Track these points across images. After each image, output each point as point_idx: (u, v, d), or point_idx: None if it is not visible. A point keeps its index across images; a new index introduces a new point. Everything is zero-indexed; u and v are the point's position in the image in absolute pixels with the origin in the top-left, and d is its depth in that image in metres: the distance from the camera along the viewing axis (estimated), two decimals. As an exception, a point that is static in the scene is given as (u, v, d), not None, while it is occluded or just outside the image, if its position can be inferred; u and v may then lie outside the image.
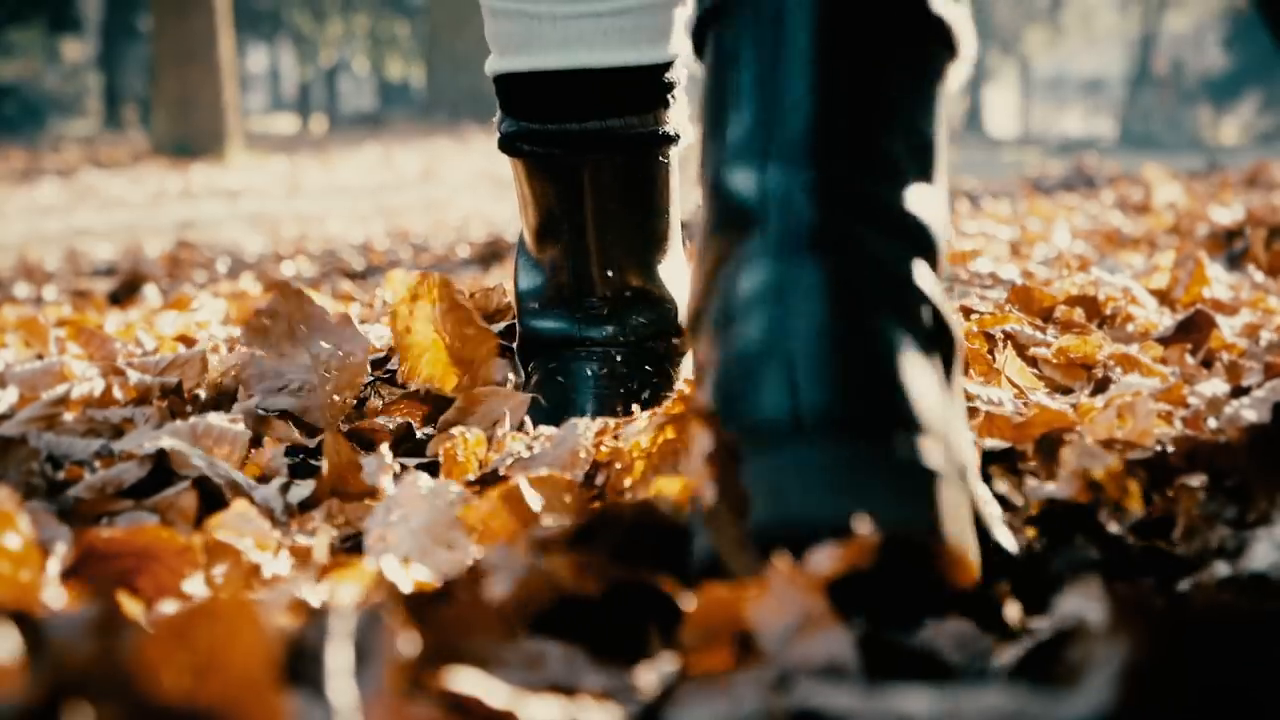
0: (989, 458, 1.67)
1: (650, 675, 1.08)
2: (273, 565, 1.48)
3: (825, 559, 1.11)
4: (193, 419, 1.98)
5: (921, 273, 1.31)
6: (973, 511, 1.29)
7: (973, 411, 1.83)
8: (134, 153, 20.68)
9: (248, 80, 45.80)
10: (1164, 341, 2.56)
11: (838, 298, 1.25)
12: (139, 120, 31.35)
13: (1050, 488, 1.52)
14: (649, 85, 2.15)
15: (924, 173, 1.37)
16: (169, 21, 19.55)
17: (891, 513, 1.18)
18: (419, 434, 2.13)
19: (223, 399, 2.32)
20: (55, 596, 1.06)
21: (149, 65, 22.45)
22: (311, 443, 2.01)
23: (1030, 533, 1.48)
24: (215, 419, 1.98)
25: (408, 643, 1.00)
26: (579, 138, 2.13)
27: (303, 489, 1.76)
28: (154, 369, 2.40)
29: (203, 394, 2.32)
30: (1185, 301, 3.11)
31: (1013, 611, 1.27)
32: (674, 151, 2.21)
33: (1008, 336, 2.44)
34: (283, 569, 1.47)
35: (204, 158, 18.88)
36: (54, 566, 1.38)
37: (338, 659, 0.97)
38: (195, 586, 1.40)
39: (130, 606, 1.04)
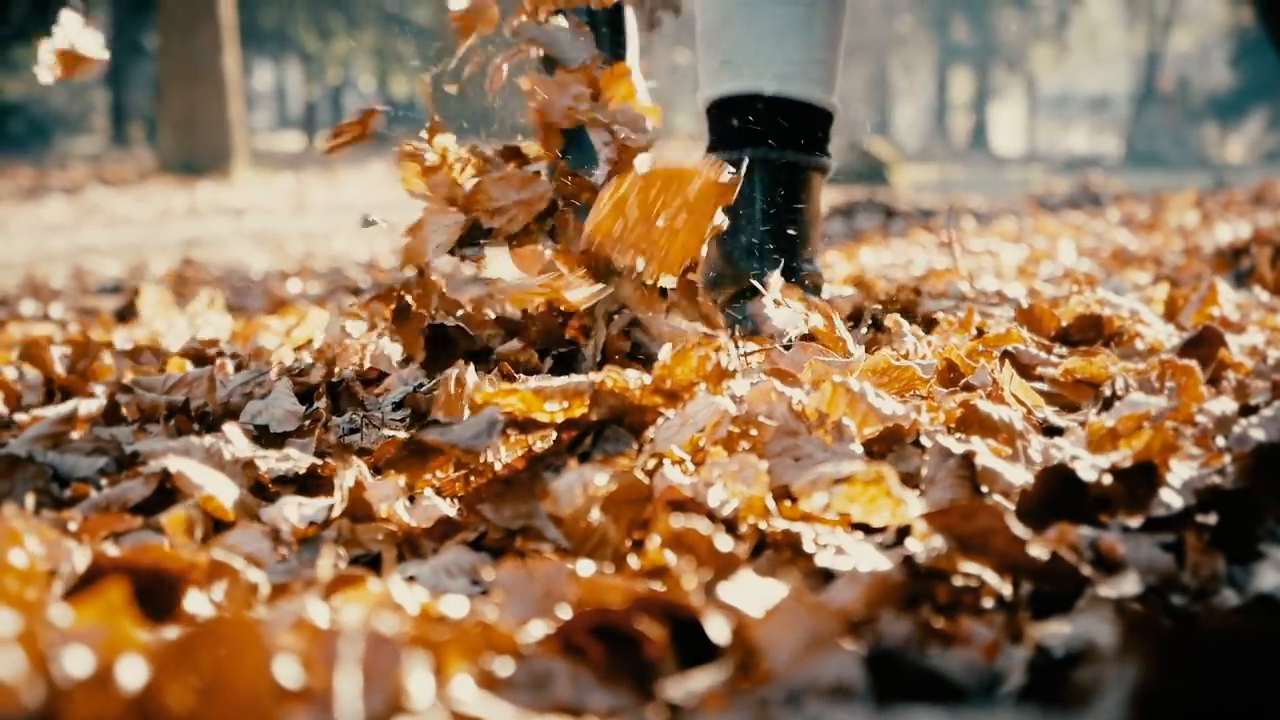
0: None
1: (659, 697, 1.08)
2: (276, 584, 1.47)
3: (842, 591, 1.10)
4: (201, 438, 1.98)
5: None
6: None
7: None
8: (140, 170, 20.69)
9: (254, 98, 45.83)
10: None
11: None
12: (145, 138, 31.36)
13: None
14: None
15: None
16: (175, 39, 19.57)
17: None
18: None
19: (230, 416, 2.32)
20: (61, 615, 1.06)
21: (155, 83, 22.46)
22: (319, 462, 2.01)
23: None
24: (222, 437, 1.98)
25: (415, 664, 0.99)
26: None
27: (311, 508, 1.75)
28: (161, 388, 2.39)
29: (211, 412, 2.32)
30: (1195, 321, 3.11)
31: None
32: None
33: (1009, 356, 2.44)
34: (293, 588, 1.46)
35: (210, 175, 18.89)
36: (60, 585, 1.38)
37: (347, 682, 0.97)
38: (199, 605, 1.39)
39: (135, 627, 1.04)
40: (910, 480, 1.80)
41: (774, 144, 3.03)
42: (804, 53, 3.03)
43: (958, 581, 1.42)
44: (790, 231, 3.02)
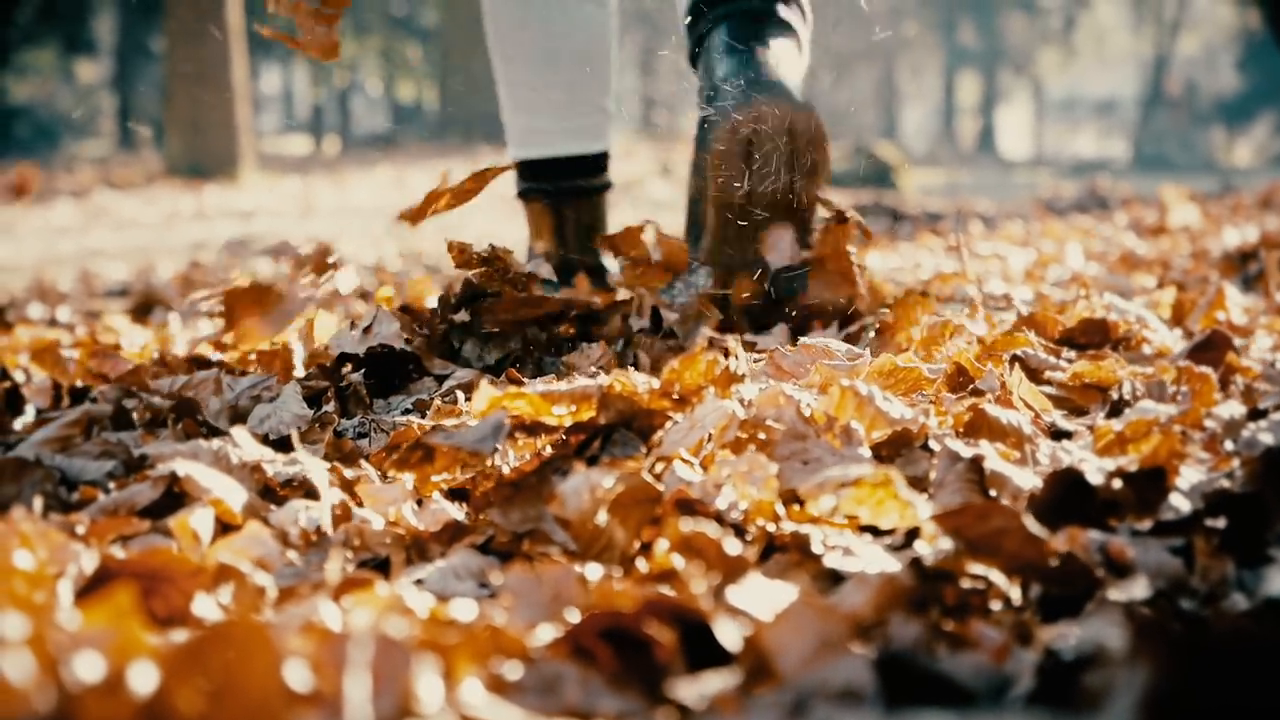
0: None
1: (668, 700, 1.08)
2: (284, 588, 1.47)
3: (851, 594, 1.10)
4: (209, 440, 1.98)
5: None
6: None
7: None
8: (147, 174, 20.66)
9: (261, 101, 45.84)
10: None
11: None
12: (152, 141, 31.36)
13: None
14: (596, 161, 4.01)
15: None
16: (182, 43, 19.55)
17: None
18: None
19: (237, 419, 2.32)
20: (71, 619, 1.06)
21: (162, 86, 22.46)
22: (328, 465, 2.01)
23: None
24: (230, 440, 1.98)
25: (424, 668, 0.99)
26: (563, 190, 3.97)
27: (318, 511, 1.75)
28: (168, 391, 2.40)
29: (217, 415, 2.32)
30: (1202, 325, 3.10)
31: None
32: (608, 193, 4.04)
33: (1018, 360, 2.44)
34: (300, 591, 1.46)
35: (217, 179, 18.86)
36: (69, 589, 1.38)
37: (356, 685, 0.97)
38: (207, 608, 1.39)
39: (144, 631, 1.04)
40: (918, 484, 1.80)
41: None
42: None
43: (965, 584, 1.42)
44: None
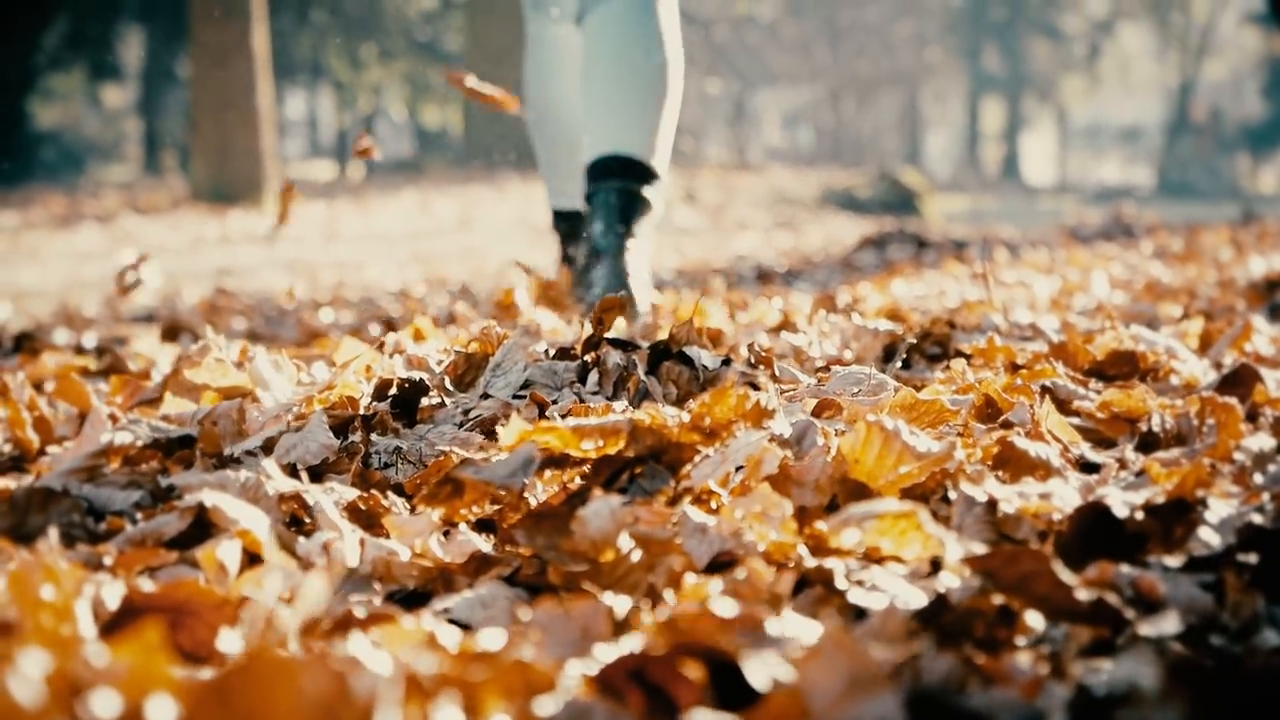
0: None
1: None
2: (309, 621, 1.47)
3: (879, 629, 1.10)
4: (236, 471, 1.98)
5: None
6: None
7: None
8: (173, 199, 20.72)
9: (286, 126, 45.97)
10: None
11: None
12: (178, 166, 31.43)
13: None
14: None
15: None
16: (208, 68, 19.61)
17: None
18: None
19: (264, 449, 2.32)
20: (97, 653, 1.06)
21: (188, 112, 22.52)
22: (352, 495, 2.00)
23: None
24: (258, 471, 1.97)
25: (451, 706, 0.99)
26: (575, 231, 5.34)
27: (347, 543, 1.75)
28: (192, 421, 2.39)
29: (244, 445, 2.32)
30: (1230, 355, 3.10)
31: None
32: None
33: (1047, 391, 2.43)
34: (324, 625, 1.46)
35: (242, 204, 18.90)
36: (94, 622, 1.37)
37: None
38: (232, 643, 1.39)
39: (171, 667, 1.03)
40: (940, 518, 1.80)
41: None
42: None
43: (993, 617, 1.41)
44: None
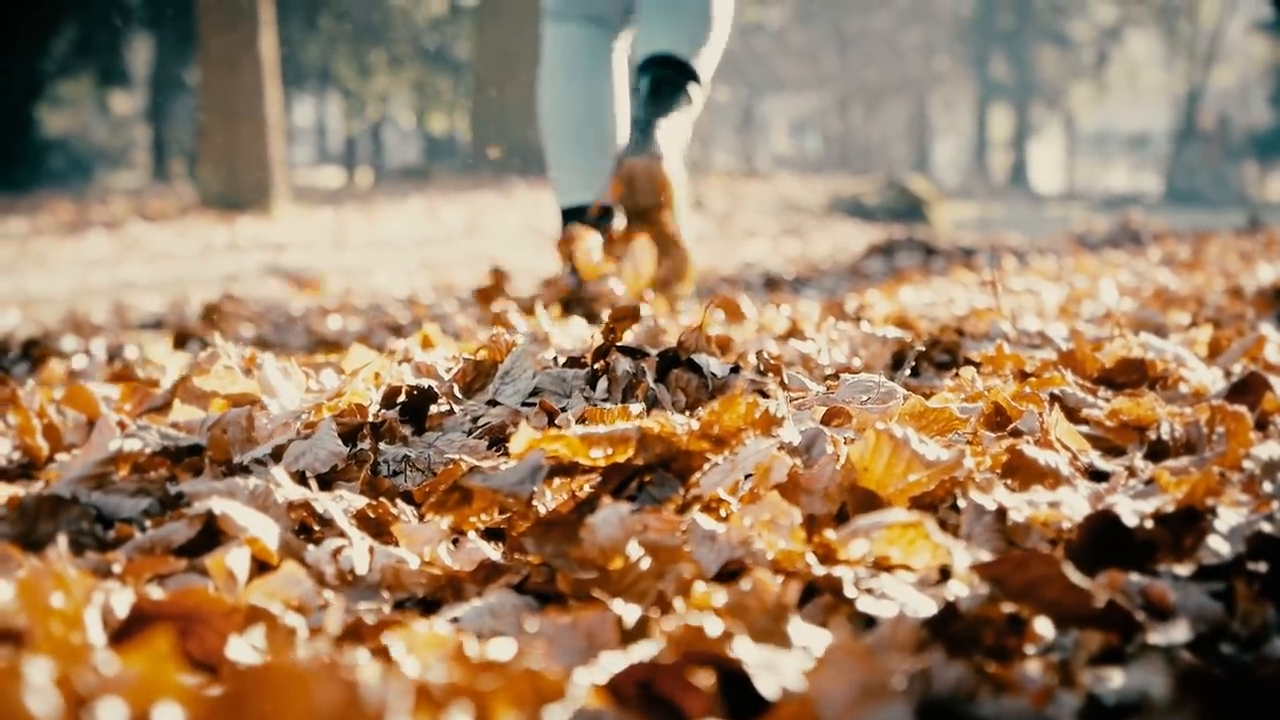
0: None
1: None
2: (318, 629, 1.47)
3: (889, 637, 1.09)
4: (245, 478, 1.98)
5: None
6: None
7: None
8: (181, 206, 20.71)
9: (294, 133, 46.00)
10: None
11: None
12: (186, 173, 31.44)
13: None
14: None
15: None
16: (217, 75, 19.61)
17: None
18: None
19: (272, 456, 2.32)
20: (106, 661, 1.06)
21: (196, 118, 22.54)
22: (361, 503, 2.00)
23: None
24: (266, 478, 1.97)
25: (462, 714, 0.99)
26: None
27: (356, 551, 1.75)
28: (201, 428, 2.39)
29: (253, 454, 2.31)
30: (1240, 363, 3.09)
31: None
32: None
33: (1056, 399, 2.43)
34: (334, 633, 1.46)
35: (250, 211, 18.89)
36: (103, 629, 1.37)
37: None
38: (241, 651, 1.39)
39: (181, 675, 1.03)
40: (949, 526, 1.80)
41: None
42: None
43: (1003, 624, 1.41)
44: None
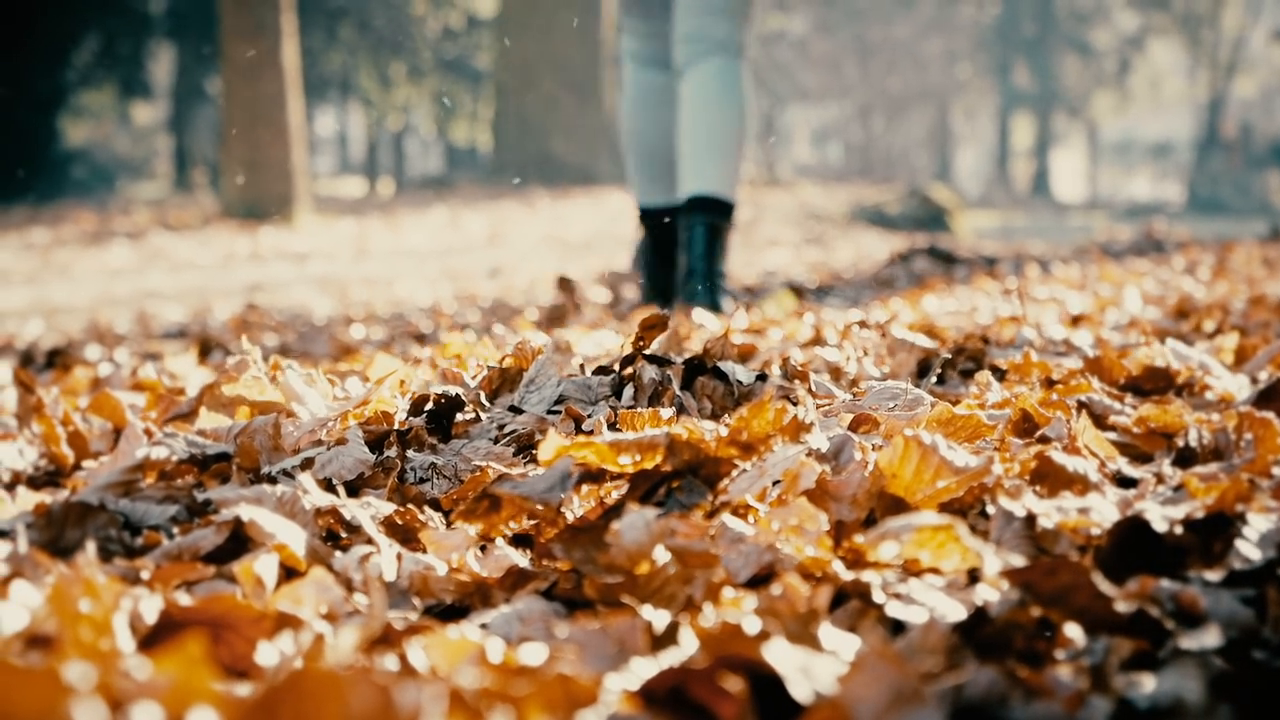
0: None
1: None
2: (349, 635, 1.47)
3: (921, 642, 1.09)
4: (272, 485, 1.98)
5: None
6: None
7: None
8: (203, 215, 20.75)
9: (316, 143, 46.09)
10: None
11: None
12: (208, 183, 31.50)
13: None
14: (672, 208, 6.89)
15: None
16: (239, 85, 19.64)
17: None
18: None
19: (300, 466, 2.32)
20: (137, 666, 1.06)
21: (219, 128, 22.59)
22: (388, 510, 2.00)
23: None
24: (294, 485, 1.97)
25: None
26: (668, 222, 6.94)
27: (384, 558, 1.75)
28: (228, 436, 2.40)
29: (281, 463, 2.32)
30: (1268, 371, 3.09)
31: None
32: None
33: (1083, 406, 2.42)
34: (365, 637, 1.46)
35: (273, 220, 18.92)
36: (131, 636, 1.37)
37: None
38: (270, 656, 1.39)
39: (214, 681, 1.03)
40: (977, 532, 1.80)
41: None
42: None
43: (1033, 630, 1.41)
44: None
